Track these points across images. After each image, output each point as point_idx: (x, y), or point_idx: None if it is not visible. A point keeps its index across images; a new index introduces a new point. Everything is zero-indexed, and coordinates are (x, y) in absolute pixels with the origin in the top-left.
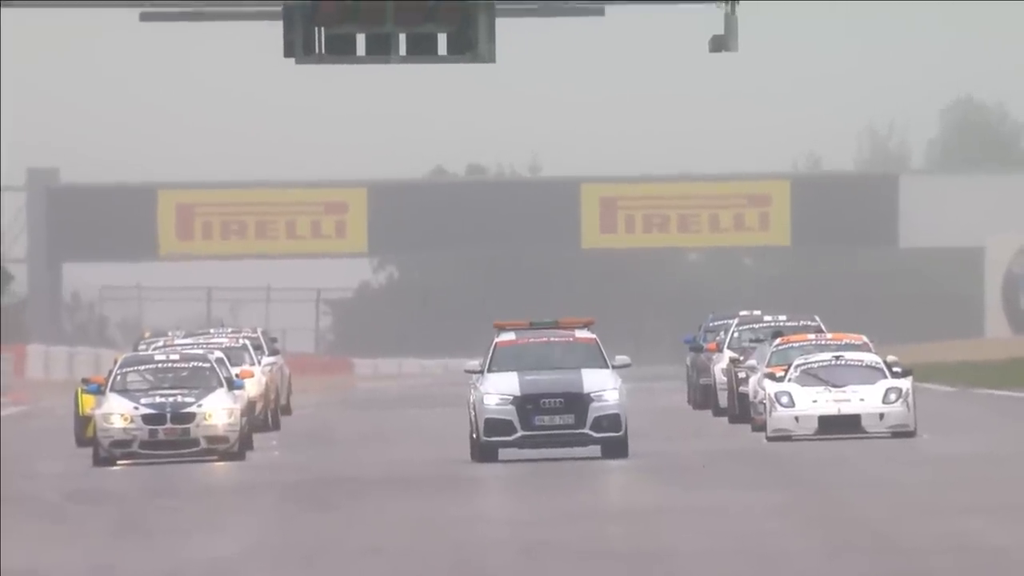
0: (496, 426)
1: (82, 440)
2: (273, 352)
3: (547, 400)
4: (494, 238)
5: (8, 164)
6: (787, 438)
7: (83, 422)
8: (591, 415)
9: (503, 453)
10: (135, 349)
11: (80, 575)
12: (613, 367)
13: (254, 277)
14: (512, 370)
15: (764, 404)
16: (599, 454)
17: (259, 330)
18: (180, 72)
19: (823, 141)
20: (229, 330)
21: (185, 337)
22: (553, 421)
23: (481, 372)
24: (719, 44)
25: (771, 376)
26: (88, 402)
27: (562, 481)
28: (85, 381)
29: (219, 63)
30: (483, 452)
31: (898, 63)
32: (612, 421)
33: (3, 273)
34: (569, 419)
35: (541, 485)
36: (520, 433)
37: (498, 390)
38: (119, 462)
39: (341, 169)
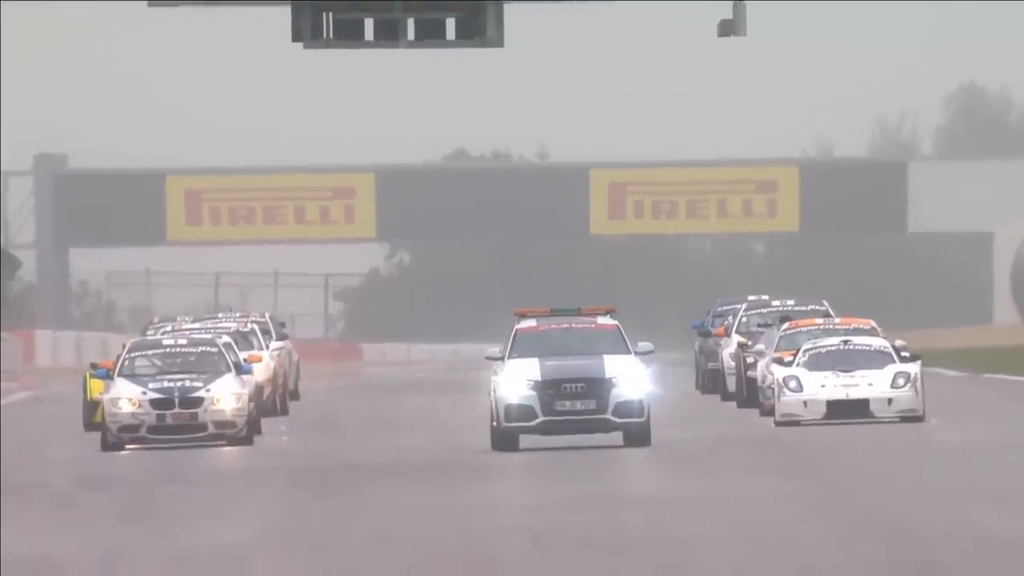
0: (517, 412)
1: (90, 425)
2: (281, 337)
3: (568, 385)
4: (502, 223)
5: (16, 150)
6: (795, 423)
7: (91, 407)
8: (613, 400)
9: (524, 440)
10: (143, 334)
11: (88, 562)
12: (636, 353)
13: (263, 262)
14: (533, 356)
15: (772, 389)
16: (621, 441)
17: (267, 315)
18: (188, 57)
19: (831, 128)
20: (237, 315)
21: (193, 322)
22: (575, 406)
23: (501, 359)
24: (727, 29)
25: (779, 361)
26: (96, 387)
27: (570, 468)
28: (93, 366)
29: (227, 48)
30: (504, 439)
31: (905, 49)
32: (634, 407)
33: (11, 258)
34: (591, 404)
35: (549, 472)
36: (541, 418)
37: (519, 376)
38: (127, 447)
39: (349, 154)
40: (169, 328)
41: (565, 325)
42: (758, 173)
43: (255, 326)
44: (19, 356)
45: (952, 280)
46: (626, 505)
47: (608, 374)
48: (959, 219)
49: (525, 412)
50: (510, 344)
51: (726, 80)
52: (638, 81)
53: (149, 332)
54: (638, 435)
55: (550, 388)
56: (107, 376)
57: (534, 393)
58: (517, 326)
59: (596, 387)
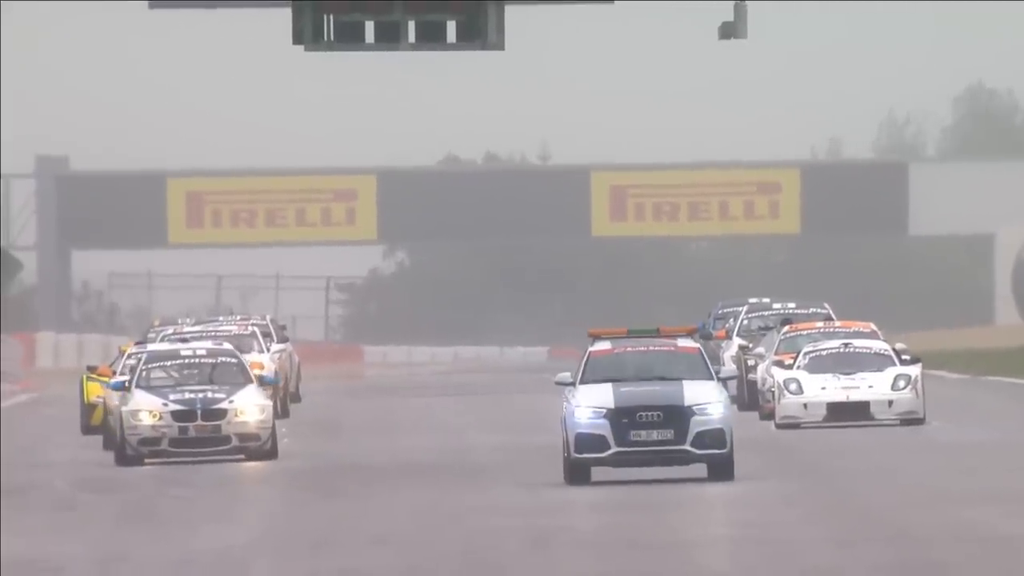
0: (588, 442)
1: (88, 428)
2: (283, 339)
3: (644, 413)
4: (504, 226)
5: (17, 151)
6: (795, 425)
7: (89, 410)
8: (692, 430)
9: (596, 473)
10: (145, 337)
11: (89, 564)
12: (719, 379)
13: (264, 265)
14: (607, 381)
15: (773, 392)
16: (701, 474)
17: (268, 317)
18: (190, 59)
19: (836, 129)
20: (238, 318)
21: (195, 325)
22: (651, 436)
23: (573, 384)
24: (728, 31)
25: (779, 363)
26: (94, 390)
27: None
28: (90, 369)
29: (229, 50)
30: (574, 471)
31: (912, 50)
32: (716, 437)
33: (13, 260)
34: (668, 434)
35: (550, 475)
36: (614, 449)
37: (590, 403)
38: (147, 461)
39: (350, 156)
40: (170, 331)
41: (642, 348)
42: (760, 175)
43: (256, 329)
44: (20, 358)
45: (953, 282)
46: (626, 508)
47: (687, 401)
48: (960, 221)
49: (597, 442)
50: (582, 368)
51: (728, 81)
52: (640, 82)
53: (150, 335)
54: (720, 468)
55: (624, 416)
56: (123, 387)
57: (607, 422)
58: (590, 348)
59: (674, 415)
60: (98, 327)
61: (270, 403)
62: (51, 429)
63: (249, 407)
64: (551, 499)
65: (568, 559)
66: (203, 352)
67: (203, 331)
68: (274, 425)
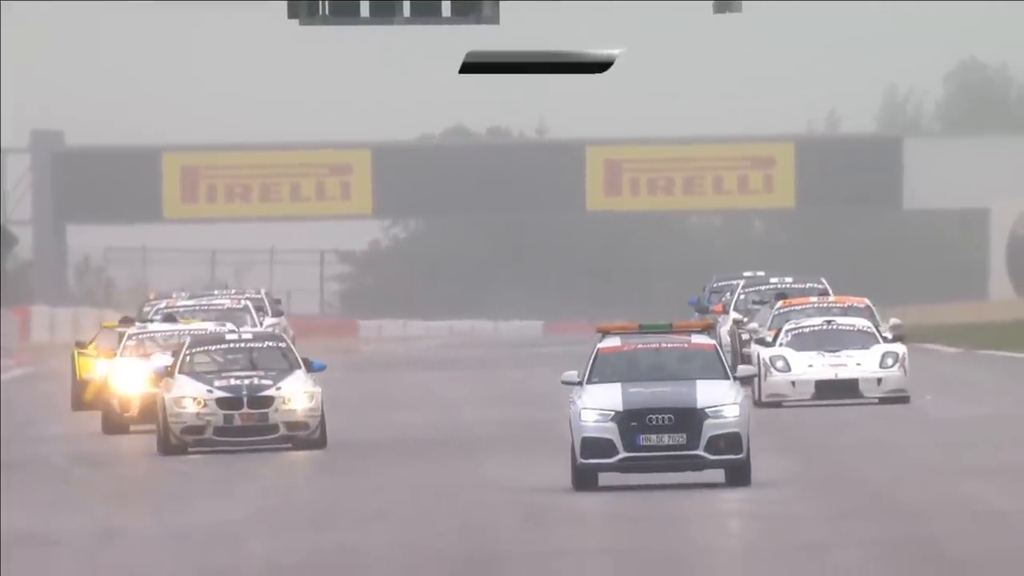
0: (594, 446)
1: (79, 404)
2: (277, 313)
3: (654, 416)
4: (499, 200)
5: (13, 126)
6: (779, 403)
7: (80, 386)
8: (706, 434)
9: (604, 478)
10: (140, 311)
11: (85, 538)
12: (735, 378)
13: (258, 239)
14: (615, 381)
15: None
16: (717, 479)
17: (263, 291)
18: (184, 34)
19: (831, 103)
20: (232, 291)
21: (189, 299)
22: (661, 441)
23: (580, 383)
24: (724, 5)
25: (761, 341)
26: (84, 366)
27: (560, 448)
28: (79, 344)
29: (224, 25)
30: (581, 476)
31: (907, 23)
32: (731, 441)
33: (8, 235)
34: (680, 438)
35: (543, 450)
36: (622, 455)
37: (597, 404)
38: (191, 450)
39: (345, 131)
40: (163, 305)
41: (654, 344)
42: (754, 149)
43: (249, 303)
44: (16, 333)
45: (948, 256)
46: (620, 484)
47: (700, 403)
48: (955, 195)
49: (604, 447)
50: (590, 366)
51: (723, 55)
52: (635, 56)
53: (145, 309)
54: (735, 473)
55: (633, 419)
56: (167, 373)
57: (614, 425)
58: (599, 345)
59: (686, 418)
60: (95, 301)
61: (319, 390)
62: (47, 404)
63: (297, 394)
64: (546, 474)
65: (563, 534)
66: (249, 336)
67: (197, 305)
68: (323, 413)
